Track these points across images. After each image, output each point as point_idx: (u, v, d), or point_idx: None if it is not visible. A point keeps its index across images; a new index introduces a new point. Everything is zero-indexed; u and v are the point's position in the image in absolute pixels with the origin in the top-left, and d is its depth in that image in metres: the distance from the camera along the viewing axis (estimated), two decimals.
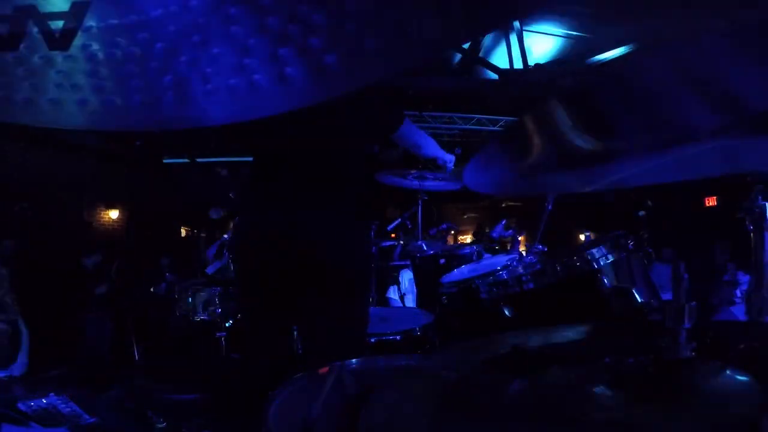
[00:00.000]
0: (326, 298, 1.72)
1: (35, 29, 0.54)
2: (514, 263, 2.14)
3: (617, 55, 6.43)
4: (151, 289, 6.03)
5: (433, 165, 2.50)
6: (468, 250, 2.94)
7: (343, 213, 1.75)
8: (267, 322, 1.87)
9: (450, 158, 2.34)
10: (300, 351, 2.03)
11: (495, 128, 9.67)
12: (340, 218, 1.74)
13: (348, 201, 1.77)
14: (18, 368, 3.88)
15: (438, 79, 7.82)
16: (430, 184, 3.64)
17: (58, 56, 0.56)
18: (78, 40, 0.55)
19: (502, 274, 1.83)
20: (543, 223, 3.05)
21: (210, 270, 4.20)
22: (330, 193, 1.75)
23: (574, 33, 6.52)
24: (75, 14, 0.53)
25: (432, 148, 2.25)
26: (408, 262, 4.26)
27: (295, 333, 2.10)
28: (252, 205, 1.83)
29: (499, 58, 7.19)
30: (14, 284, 4.22)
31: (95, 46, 0.56)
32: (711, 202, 9.47)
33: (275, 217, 1.73)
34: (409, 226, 4.47)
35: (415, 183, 3.61)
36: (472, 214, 13.58)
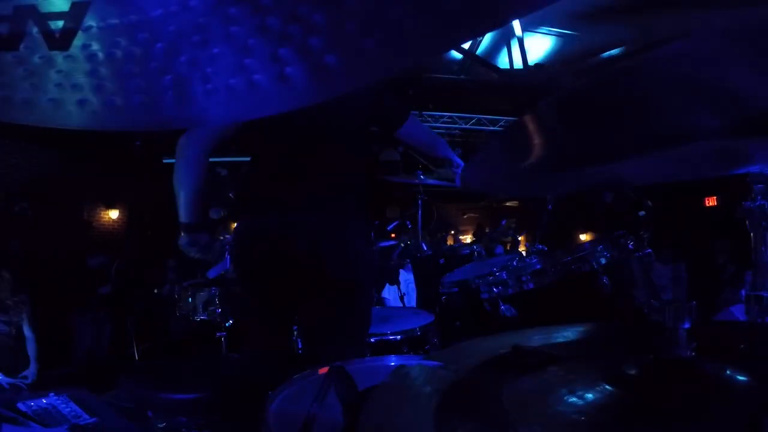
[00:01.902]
0: (326, 298, 1.71)
1: (35, 29, 0.54)
2: (514, 263, 2.14)
3: (617, 55, 6.43)
4: (155, 291, 6.04)
5: (441, 166, 2.42)
6: (468, 250, 2.94)
7: (342, 213, 1.74)
8: (268, 323, 1.87)
9: (461, 162, 2.26)
10: (300, 351, 2.03)
11: (495, 128, 9.67)
12: (339, 218, 1.73)
13: (347, 201, 1.76)
14: (30, 376, 3.90)
15: (438, 79, 7.82)
16: (430, 183, 3.64)
17: (58, 56, 0.56)
18: (78, 40, 0.55)
19: (502, 274, 1.83)
20: (543, 223, 3.05)
21: (212, 274, 4.20)
22: (328, 194, 1.74)
23: (574, 33, 6.52)
24: (75, 14, 0.53)
25: (444, 148, 2.19)
26: (408, 262, 4.27)
27: (295, 333, 2.09)
28: (251, 207, 1.82)
29: (499, 58, 7.19)
30: (17, 285, 4.21)
31: (95, 46, 0.56)
32: (711, 202, 9.47)
33: (274, 218, 1.72)
34: (409, 226, 4.47)
35: (415, 182, 3.61)
36: (472, 214, 13.57)
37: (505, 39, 6.77)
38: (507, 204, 13.03)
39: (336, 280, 1.70)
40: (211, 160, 1.90)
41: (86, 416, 1.29)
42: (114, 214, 10.23)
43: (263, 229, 1.73)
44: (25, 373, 3.87)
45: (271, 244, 1.70)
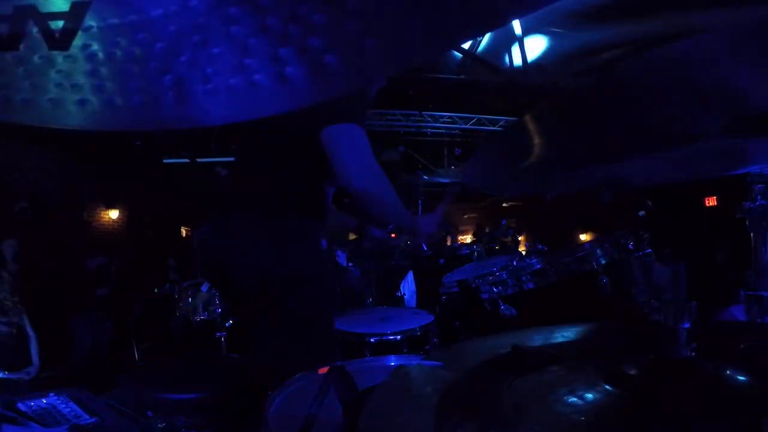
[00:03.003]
0: (251, 307, 1.69)
1: (35, 29, 0.54)
2: (514, 263, 2.14)
3: (617, 55, 6.43)
4: (156, 290, 6.05)
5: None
6: (468, 250, 2.94)
7: (258, 219, 1.67)
8: (249, 325, 1.89)
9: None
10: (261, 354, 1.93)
11: (495, 128, 9.68)
12: (251, 225, 1.66)
13: (266, 205, 1.69)
14: (33, 371, 3.92)
15: (438, 79, 7.83)
16: (430, 182, 3.63)
17: (58, 56, 0.56)
18: (78, 40, 0.55)
19: (502, 274, 1.83)
20: (543, 223, 3.05)
21: (205, 288, 4.22)
22: (242, 199, 1.71)
23: (574, 33, 6.53)
24: (75, 14, 0.54)
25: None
26: (408, 263, 4.26)
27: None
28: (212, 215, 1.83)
29: (499, 58, 7.19)
30: (17, 285, 4.23)
31: (95, 46, 0.56)
32: (711, 202, 9.46)
33: (202, 227, 1.73)
34: None
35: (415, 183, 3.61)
36: (472, 214, 13.58)
37: (505, 39, 6.78)
38: (507, 204, 13.04)
39: (248, 288, 1.63)
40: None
41: (86, 416, 1.29)
42: (114, 214, 10.23)
43: (204, 240, 1.75)
44: (27, 369, 3.89)
45: (213, 254, 1.71)
